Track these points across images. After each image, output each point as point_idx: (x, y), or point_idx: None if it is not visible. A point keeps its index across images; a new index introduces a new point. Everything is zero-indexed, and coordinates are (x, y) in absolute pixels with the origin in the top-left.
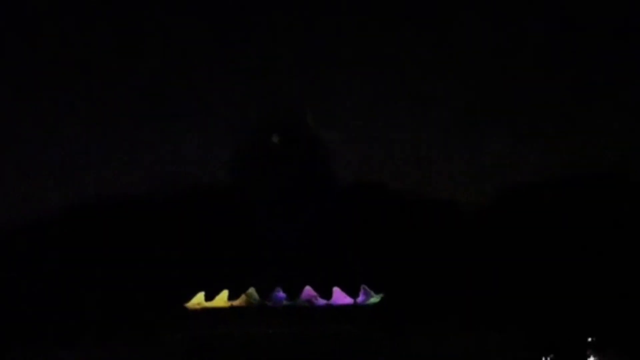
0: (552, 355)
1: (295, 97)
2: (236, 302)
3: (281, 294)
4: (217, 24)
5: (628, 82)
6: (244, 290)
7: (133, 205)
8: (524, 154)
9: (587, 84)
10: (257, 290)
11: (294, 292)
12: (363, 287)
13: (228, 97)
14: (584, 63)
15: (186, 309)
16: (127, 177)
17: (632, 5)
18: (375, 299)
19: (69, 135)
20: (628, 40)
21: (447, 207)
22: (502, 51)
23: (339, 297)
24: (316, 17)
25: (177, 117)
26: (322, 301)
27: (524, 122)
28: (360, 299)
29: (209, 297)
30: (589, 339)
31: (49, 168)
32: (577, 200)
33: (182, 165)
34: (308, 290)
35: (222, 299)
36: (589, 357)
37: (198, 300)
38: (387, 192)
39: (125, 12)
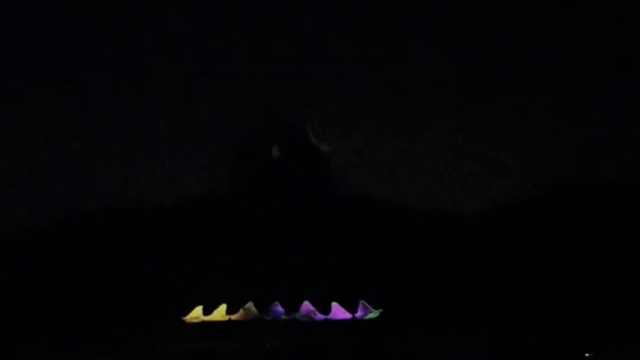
0: None
1: (295, 106)
2: (234, 317)
3: (280, 308)
4: (218, 31)
5: (626, 84)
6: (242, 304)
7: (131, 219)
8: (520, 160)
9: (584, 86)
10: (256, 305)
11: (292, 306)
12: (362, 302)
13: (228, 107)
14: (582, 65)
15: (184, 322)
16: (125, 190)
17: (630, 6)
18: (373, 314)
19: (69, 140)
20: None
21: (445, 221)
22: (498, 53)
23: (338, 312)
24: (315, 22)
25: (177, 125)
26: (320, 316)
27: (521, 127)
28: (358, 314)
29: (207, 311)
30: (587, 355)
31: (48, 175)
32: (576, 206)
33: (180, 177)
34: (306, 305)
35: (220, 313)
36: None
37: (196, 314)
38: (387, 206)
39: (128, 13)
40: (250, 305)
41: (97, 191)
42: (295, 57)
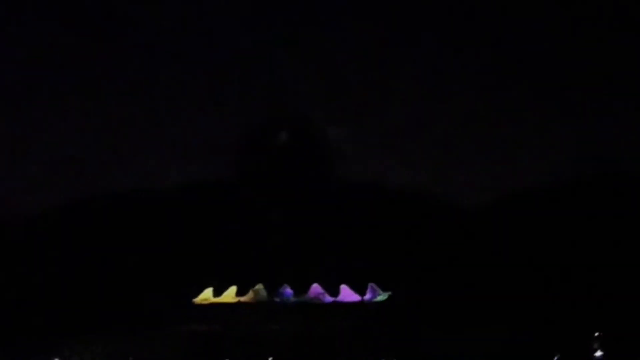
0: (559, 355)
1: (302, 94)
2: (244, 298)
3: (289, 290)
4: (226, 21)
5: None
6: (252, 286)
7: (143, 201)
8: (529, 154)
9: (591, 85)
10: (265, 287)
11: (301, 289)
12: (370, 285)
13: (234, 93)
14: (588, 64)
15: (194, 304)
16: (135, 173)
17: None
18: (382, 296)
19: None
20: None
21: (454, 205)
22: (507, 53)
23: (347, 294)
24: (322, 13)
25: (184, 113)
26: (329, 298)
27: (529, 122)
28: (367, 296)
29: (217, 293)
30: (596, 334)
31: (63, 161)
32: (582, 199)
33: (191, 161)
34: (315, 288)
35: (230, 295)
36: (597, 351)
37: (206, 295)
38: (395, 190)
39: (135, 11)
40: (259, 287)
41: (109, 176)
42: (302, 44)
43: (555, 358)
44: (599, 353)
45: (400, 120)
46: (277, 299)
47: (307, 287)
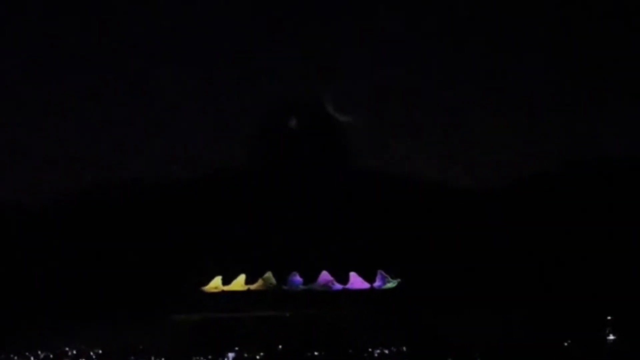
0: (569, 342)
1: (313, 81)
2: (253, 286)
3: (298, 278)
4: (240, 13)
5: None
6: (261, 274)
7: (153, 190)
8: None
9: (590, 75)
10: (274, 275)
11: (310, 276)
12: (380, 272)
13: (246, 81)
14: (587, 56)
15: (204, 292)
16: (147, 161)
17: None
18: (392, 284)
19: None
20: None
21: (464, 194)
22: (508, 45)
23: (356, 282)
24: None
25: (194, 101)
26: (338, 286)
27: (531, 114)
28: (377, 284)
29: (226, 281)
30: (608, 317)
31: (70, 151)
32: (592, 188)
33: (200, 150)
34: (325, 275)
35: (239, 283)
36: (609, 335)
37: (215, 284)
38: (404, 178)
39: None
40: (269, 275)
41: (118, 165)
42: (313, 35)
43: (566, 343)
44: (611, 337)
45: (410, 110)
46: (286, 287)
47: (317, 274)
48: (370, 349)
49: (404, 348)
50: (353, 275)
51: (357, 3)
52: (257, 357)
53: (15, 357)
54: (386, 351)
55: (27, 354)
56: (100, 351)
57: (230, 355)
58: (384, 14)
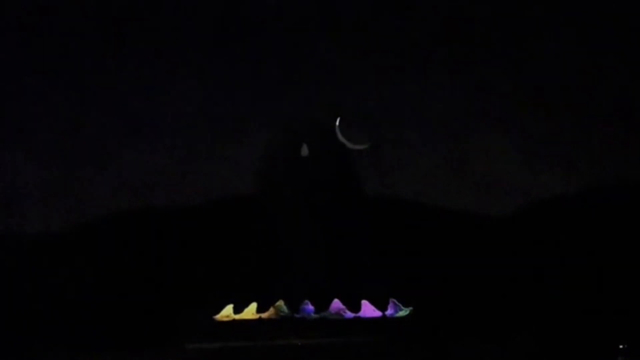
0: None
1: (324, 108)
2: (265, 315)
3: (310, 306)
4: (248, 35)
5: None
6: (272, 302)
7: (163, 218)
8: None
9: (600, 99)
10: (286, 303)
11: (322, 305)
12: (392, 300)
13: (257, 106)
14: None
15: (215, 320)
16: (155, 189)
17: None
18: (404, 312)
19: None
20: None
21: (475, 218)
22: (517, 65)
23: (368, 310)
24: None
25: (207, 125)
26: (350, 314)
27: (538, 137)
28: (389, 312)
29: (237, 310)
30: (620, 346)
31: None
32: (598, 211)
33: (210, 178)
34: (337, 303)
35: (250, 311)
36: None
37: (227, 312)
38: (416, 204)
39: (154, 21)
40: (280, 303)
41: (128, 191)
42: (324, 57)
43: None
44: None
45: (420, 135)
46: (298, 315)
47: (328, 303)
48: None
49: None
50: (365, 303)
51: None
52: None
53: None
54: None
55: None
56: None
57: None
58: None
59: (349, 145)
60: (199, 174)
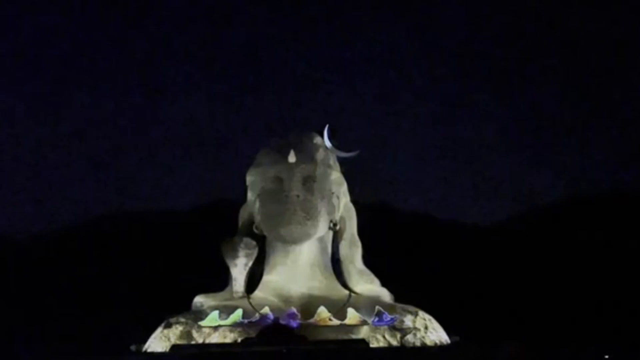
0: None
1: (312, 119)
2: (250, 321)
3: (296, 312)
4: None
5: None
6: (258, 309)
7: (153, 225)
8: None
9: (595, 106)
10: (272, 309)
11: (308, 312)
12: (378, 308)
13: (252, 122)
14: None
15: (200, 327)
16: (149, 196)
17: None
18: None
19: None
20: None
21: (470, 230)
22: (514, 73)
23: (352, 316)
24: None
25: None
26: (337, 321)
27: (534, 144)
28: (375, 320)
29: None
30: (606, 357)
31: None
32: (593, 219)
33: (200, 185)
34: (322, 309)
35: (236, 318)
36: None
37: (213, 318)
38: (411, 214)
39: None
40: (266, 309)
41: (122, 199)
42: (316, 64)
43: None
44: None
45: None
46: (283, 321)
47: (314, 310)
48: None
49: None
50: (350, 310)
51: None
52: None
53: None
54: None
55: None
56: None
57: None
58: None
59: (338, 152)
60: (190, 182)
